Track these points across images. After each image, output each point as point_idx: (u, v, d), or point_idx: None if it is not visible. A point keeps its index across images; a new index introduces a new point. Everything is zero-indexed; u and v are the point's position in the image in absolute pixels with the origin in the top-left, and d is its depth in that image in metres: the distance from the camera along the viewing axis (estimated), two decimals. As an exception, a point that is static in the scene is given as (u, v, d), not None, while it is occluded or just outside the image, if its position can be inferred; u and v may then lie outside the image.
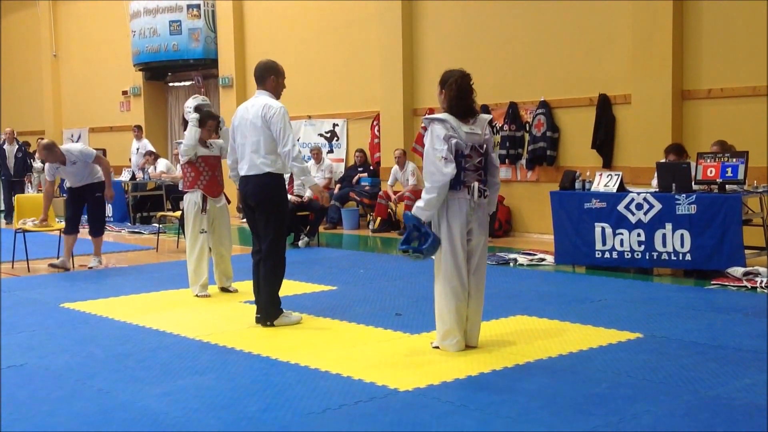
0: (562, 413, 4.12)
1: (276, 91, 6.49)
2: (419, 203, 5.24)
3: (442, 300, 5.34)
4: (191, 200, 7.62)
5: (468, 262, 5.33)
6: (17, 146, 16.30)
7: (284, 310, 6.40)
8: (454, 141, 5.17)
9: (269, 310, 6.32)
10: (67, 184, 9.53)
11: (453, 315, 5.31)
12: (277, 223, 6.33)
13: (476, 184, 5.25)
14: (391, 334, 5.91)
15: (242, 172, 6.33)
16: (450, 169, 5.13)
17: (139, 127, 16.61)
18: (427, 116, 5.34)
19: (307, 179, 6.37)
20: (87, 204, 9.53)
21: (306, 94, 14.89)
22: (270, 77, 6.42)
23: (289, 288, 7.82)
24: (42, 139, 10.29)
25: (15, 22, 22.19)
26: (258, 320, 6.39)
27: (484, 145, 5.32)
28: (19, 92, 22.24)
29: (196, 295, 7.61)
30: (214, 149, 7.77)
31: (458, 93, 5.27)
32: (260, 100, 6.32)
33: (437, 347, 5.44)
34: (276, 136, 6.21)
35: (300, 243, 11.22)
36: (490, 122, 5.51)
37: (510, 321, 6.28)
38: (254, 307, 6.53)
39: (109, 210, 14.60)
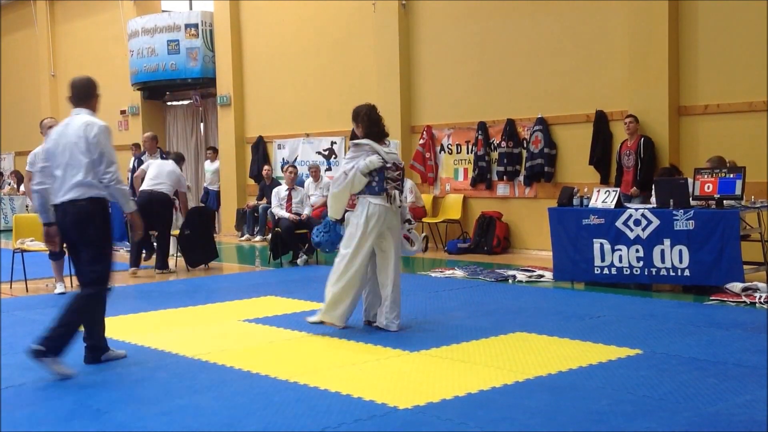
0: (562, 430, 4.10)
1: (96, 108, 5.93)
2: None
3: (340, 280, 6.52)
4: None
5: (383, 258, 6.53)
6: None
7: (55, 358, 5.39)
8: (376, 158, 6.39)
9: (58, 344, 5.39)
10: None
11: (338, 289, 6.49)
12: (106, 255, 5.66)
13: (395, 192, 6.51)
14: (390, 352, 5.89)
15: (58, 200, 5.61)
16: (338, 184, 6.45)
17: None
18: (352, 141, 6.59)
19: (129, 205, 5.80)
20: None
21: (304, 111, 14.95)
22: (95, 94, 5.92)
23: (287, 306, 7.82)
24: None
25: (14, 42, 22.28)
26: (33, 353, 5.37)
27: (402, 163, 6.64)
28: (17, 112, 22.29)
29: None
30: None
31: (370, 122, 6.55)
32: (80, 119, 5.71)
33: (320, 322, 6.62)
34: (98, 158, 5.55)
35: (299, 261, 11.21)
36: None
37: (509, 338, 6.27)
38: (253, 326, 6.51)
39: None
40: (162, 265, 10.77)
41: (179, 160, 11.16)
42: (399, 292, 6.63)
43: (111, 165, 5.59)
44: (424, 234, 7.25)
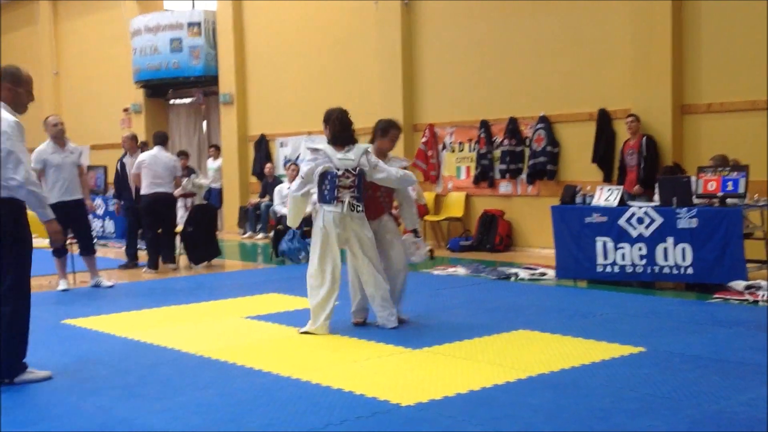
0: (565, 428, 4.10)
1: (15, 102, 5.33)
2: None
3: (310, 290, 6.41)
4: None
5: (356, 261, 6.44)
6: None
7: (29, 366, 5.26)
8: (324, 165, 6.28)
9: (11, 364, 5.14)
10: (52, 198, 8.58)
11: (317, 301, 6.35)
12: (22, 258, 5.23)
13: (348, 199, 6.26)
14: (393, 349, 5.89)
15: None
16: (296, 187, 6.49)
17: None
18: (308, 146, 6.62)
19: (46, 213, 5.28)
20: (74, 221, 8.98)
21: (306, 110, 14.94)
22: (6, 85, 5.27)
23: (290, 303, 7.82)
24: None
25: (16, 39, 22.28)
26: None
27: (357, 168, 6.29)
28: (20, 110, 22.30)
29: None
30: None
31: (341, 127, 6.41)
32: None
33: (306, 332, 6.37)
34: (4, 157, 5.05)
35: (301, 258, 11.20)
36: (367, 151, 6.44)
37: (512, 335, 6.27)
38: (256, 323, 6.49)
39: (111, 226, 14.61)
40: (170, 260, 10.84)
41: (163, 142, 11.01)
42: (386, 290, 6.51)
43: (18, 165, 5.04)
44: (429, 247, 7.06)
